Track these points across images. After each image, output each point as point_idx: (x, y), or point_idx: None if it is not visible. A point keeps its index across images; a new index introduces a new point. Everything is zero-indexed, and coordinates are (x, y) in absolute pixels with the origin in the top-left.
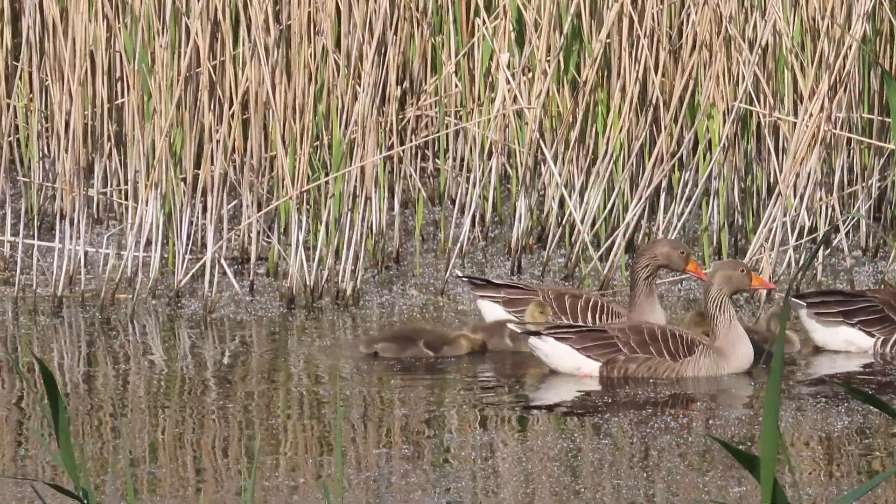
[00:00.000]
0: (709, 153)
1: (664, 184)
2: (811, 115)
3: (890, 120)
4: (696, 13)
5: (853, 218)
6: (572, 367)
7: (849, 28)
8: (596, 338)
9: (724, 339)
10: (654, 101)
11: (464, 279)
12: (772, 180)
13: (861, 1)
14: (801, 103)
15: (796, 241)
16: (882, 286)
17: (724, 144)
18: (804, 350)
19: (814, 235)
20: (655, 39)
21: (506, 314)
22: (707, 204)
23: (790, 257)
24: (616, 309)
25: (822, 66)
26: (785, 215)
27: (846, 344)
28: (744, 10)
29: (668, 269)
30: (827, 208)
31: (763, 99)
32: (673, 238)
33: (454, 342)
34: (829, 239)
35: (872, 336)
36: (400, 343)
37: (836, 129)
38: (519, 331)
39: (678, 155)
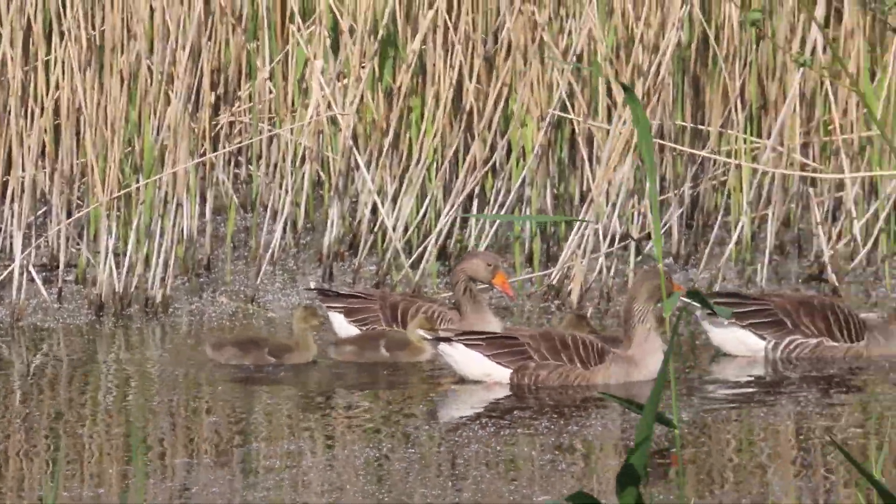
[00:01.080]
0: (522, 160)
1: (477, 191)
2: (625, 122)
3: (703, 127)
4: (510, 20)
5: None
6: (482, 373)
7: (663, 36)
8: (506, 345)
9: (639, 348)
10: (468, 108)
11: (314, 290)
12: (584, 188)
13: (675, 9)
14: (615, 110)
15: (608, 248)
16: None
17: (537, 151)
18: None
19: (625, 243)
20: (470, 46)
21: (347, 325)
22: (520, 211)
23: (601, 264)
24: (450, 316)
25: (637, 73)
26: (597, 222)
27: (739, 345)
28: (559, 18)
29: (477, 282)
30: (639, 216)
31: (577, 106)
32: (484, 251)
33: (299, 349)
34: (640, 246)
35: (764, 339)
36: (243, 348)
37: (653, 137)
38: (429, 338)
39: (492, 162)
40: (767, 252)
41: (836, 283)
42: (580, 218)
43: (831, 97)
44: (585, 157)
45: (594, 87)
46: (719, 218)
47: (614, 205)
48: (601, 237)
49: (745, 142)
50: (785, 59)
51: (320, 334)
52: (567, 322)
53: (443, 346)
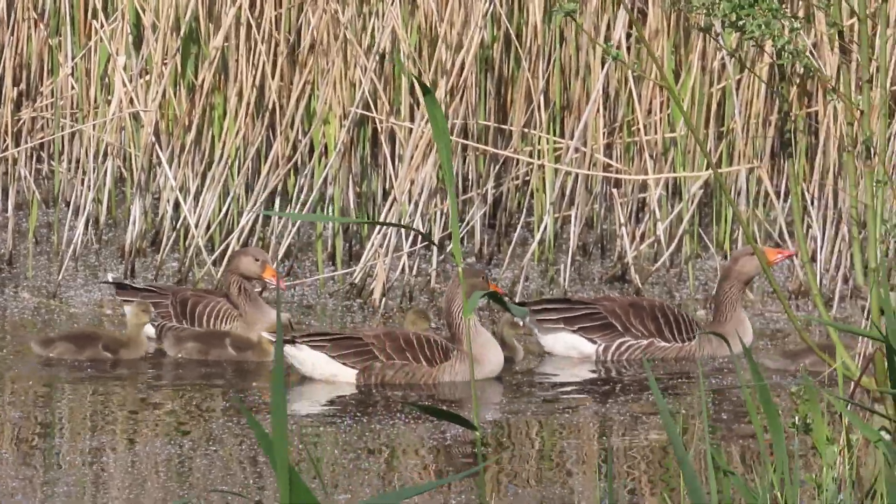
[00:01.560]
0: (325, 158)
1: (280, 188)
2: (427, 121)
3: (507, 126)
4: (313, 18)
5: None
6: (328, 374)
7: (466, 34)
8: (351, 345)
9: (473, 345)
10: (270, 106)
11: (111, 283)
12: (387, 186)
13: (478, 8)
14: (418, 109)
15: (410, 247)
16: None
17: (339, 150)
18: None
19: (427, 242)
20: (273, 44)
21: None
22: (322, 209)
23: (404, 263)
24: (235, 314)
25: (440, 72)
26: (400, 221)
27: (569, 349)
28: (361, 16)
29: (251, 279)
30: (442, 215)
31: (379, 105)
32: (252, 247)
33: (131, 345)
34: (443, 245)
35: (594, 342)
36: (78, 344)
37: (452, 136)
38: (273, 339)
39: (294, 160)
40: (570, 252)
41: (640, 284)
42: (383, 221)
43: (635, 97)
44: (388, 155)
45: (397, 86)
46: (522, 218)
47: (417, 204)
48: (404, 236)
49: (548, 142)
50: (588, 59)
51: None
52: (409, 320)
53: (287, 348)
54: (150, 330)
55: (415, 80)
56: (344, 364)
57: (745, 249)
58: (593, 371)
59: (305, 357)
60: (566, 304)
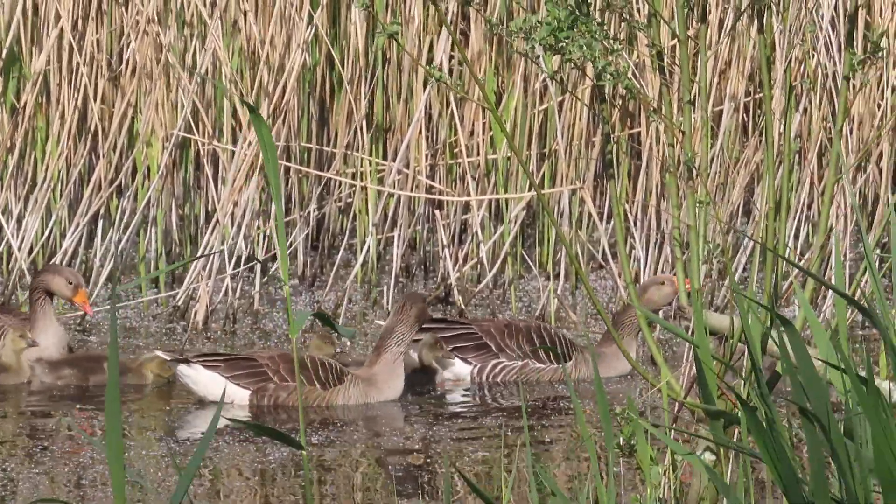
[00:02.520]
0: (147, 180)
1: (102, 211)
2: (250, 143)
3: (329, 148)
4: (135, 41)
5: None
6: (221, 394)
7: (288, 57)
8: (245, 366)
9: (383, 370)
10: (93, 128)
11: None
12: (210, 208)
13: (300, 32)
14: (240, 132)
15: (234, 269)
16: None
17: (162, 172)
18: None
19: (251, 264)
20: (95, 66)
21: None
22: (145, 231)
23: (227, 286)
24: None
25: (262, 94)
26: (223, 243)
27: (446, 371)
28: (183, 38)
29: (56, 297)
30: (265, 237)
31: (202, 127)
32: (67, 267)
33: (12, 371)
34: (266, 267)
35: (469, 363)
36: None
37: (279, 159)
38: (169, 358)
39: (117, 182)
40: (394, 274)
41: (463, 306)
42: (206, 244)
43: (457, 119)
44: (211, 177)
45: (219, 108)
46: (345, 240)
47: (240, 226)
48: (227, 258)
49: (370, 164)
50: (411, 81)
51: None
52: (314, 344)
53: (181, 368)
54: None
55: (237, 102)
56: (237, 384)
57: (655, 279)
58: (466, 393)
59: (199, 377)
60: (443, 324)
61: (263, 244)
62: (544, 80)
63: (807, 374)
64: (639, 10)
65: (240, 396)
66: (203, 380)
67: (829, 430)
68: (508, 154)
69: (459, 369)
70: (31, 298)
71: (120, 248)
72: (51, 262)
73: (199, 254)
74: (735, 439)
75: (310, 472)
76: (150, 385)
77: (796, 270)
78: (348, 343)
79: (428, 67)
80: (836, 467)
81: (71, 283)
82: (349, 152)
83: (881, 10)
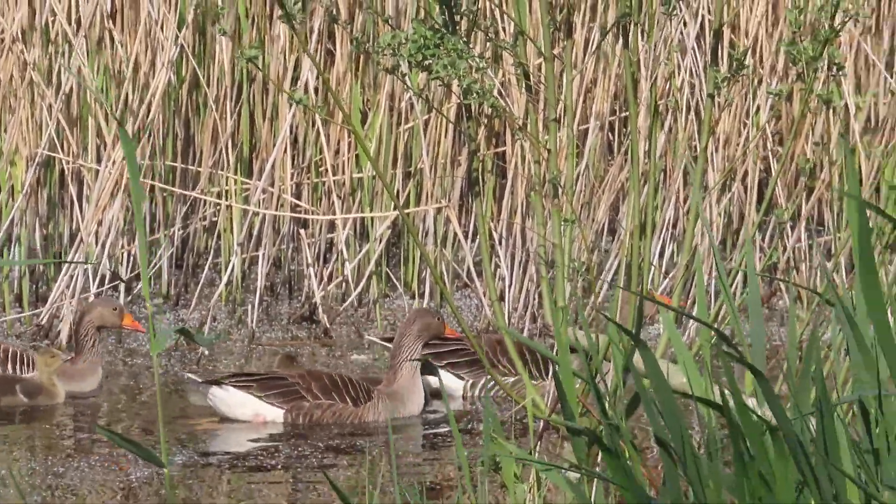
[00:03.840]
0: (11, 199)
1: None
2: (115, 162)
3: (194, 167)
4: (2, 59)
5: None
6: (253, 414)
7: (154, 75)
8: (278, 385)
9: (404, 385)
10: None
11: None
12: (74, 227)
13: (166, 51)
14: (105, 151)
15: (98, 288)
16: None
17: (26, 191)
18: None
19: (115, 283)
20: None
21: None
22: (9, 250)
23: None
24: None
25: (128, 113)
26: (87, 262)
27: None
28: (48, 56)
29: (107, 329)
30: (129, 256)
31: (66, 146)
32: (102, 297)
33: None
34: (130, 286)
35: (462, 378)
36: None
37: (144, 177)
38: (200, 380)
39: None
40: (258, 293)
41: (328, 325)
42: (70, 259)
43: (323, 139)
44: (75, 196)
45: (84, 127)
46: (210, 258)
47: (104, 245)
48: (91, 277)
49: (235, 182)
50: (276, 101)
51: None
52: (279, 362)
53: (213, 389)
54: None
55: (102, 119)
56: (271, 404)
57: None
58: None
59: (232, 398)
60: (437, 340)
61: (128, 263)
62: (410, 98)
63: (662, 396)
64: (504, 29)
65: (273, 415)
66: (234, 401)
67: (684, 453)
68: (374, 173)
69: (451, 384)
70: (80, 339)
71: None
72: (84, 299)
73: (63, 274)
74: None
75: (172, 492)
76: (61, 401)
77: (660, 289)
78: (206, 352)
79: (289, 91)
80: (693, 490)
81: (116, 310)
82: (214, 171)
83: (746, 29)
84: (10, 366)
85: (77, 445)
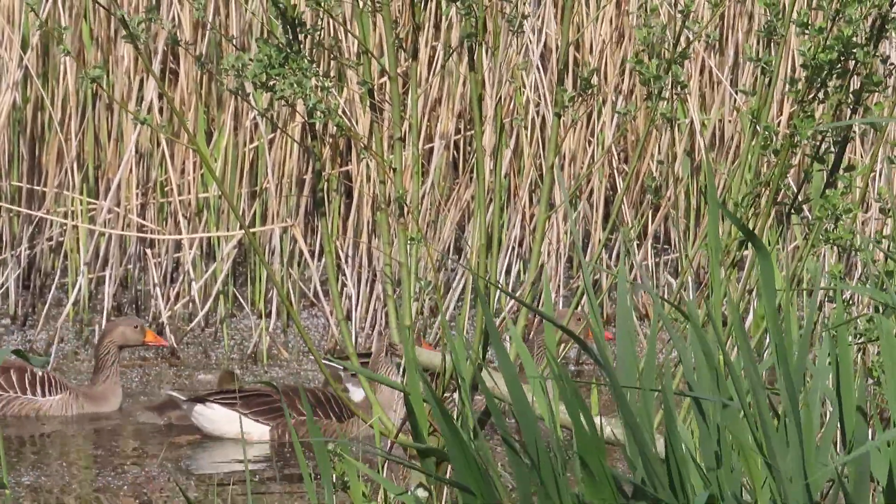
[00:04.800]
0: None
1: None
2: None
3: (40, 188)
4: None
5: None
6: (238, 432)
7: None
8: (263, 402)
9: (384, 393)
10: None
11: None
12: None
13: (10, 71)
14: None
15: None
16: None
17: None
18: None
19: None
20: None
21: None
22: None
23: None
24: (64, 381)
25: None
26: None
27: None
28: None
29: (129, 347)
30: None
31: None
32: (123, 317)
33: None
34: None
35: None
36: None
37: None
38: (183, 398)
39: None
40: (105, 313)
41: (175, 345)
42: None
43: (168, 158)
44: None
45: None
46: (56, 279)
47: None
48: None
49: (81, 202)
50: (121, 121)
51: None
52: (221, 380)
53: (198, 408)
54: None
55: None
56: (257, 420)
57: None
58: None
59: (216, 415)
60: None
61: None
62: (255, 117)
63: (519, 409)
64: (349, 48)
65: (259, 432)
66: (219, 418)
67: (539, 465)
68: (219, 192)
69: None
70: (100, 358)
71: None
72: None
73: None
74: (447, 476)
75: None
76: None
77: (507, 308)
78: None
79: (132, 111)
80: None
81: (137, 328)
82: (60, 191)
83: (591, 48)
84: (38, 389)
85: None
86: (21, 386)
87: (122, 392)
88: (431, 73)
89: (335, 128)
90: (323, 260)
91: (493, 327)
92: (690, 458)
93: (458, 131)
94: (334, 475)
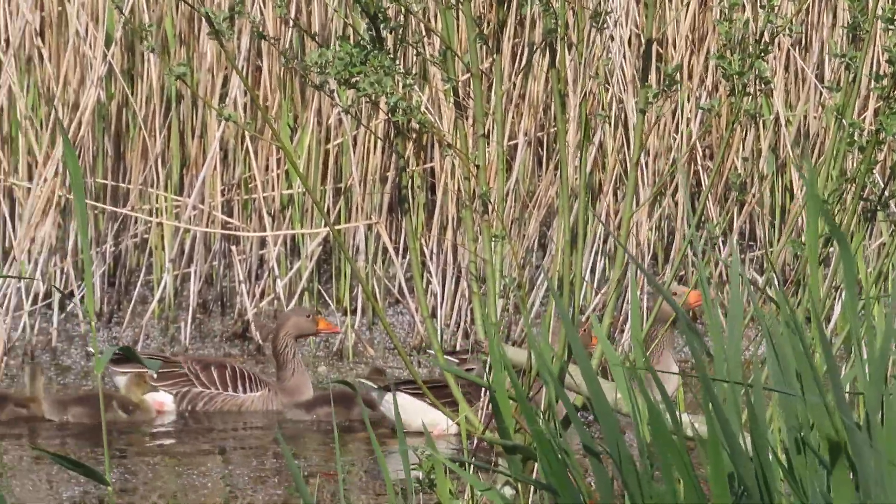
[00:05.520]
0: None
1: None
2: (46, 180)
3: (125, 185)
4: None
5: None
6: (429, 422)
7: (84, 93)
8: (448, 394)
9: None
10: None
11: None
12: (6, 245)
13: (95, 69)
14: (36, 169)
15: (31, 305)
16: None
17: None
18: None
19: (49, 300)
20: None
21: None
22: None
23: (25, 322)
24: (262, 377)
25: (57, 130)
26: (20, 281)
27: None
28: None
29: (304, 337)
30: (62, 273)
31: None
32: (294, 307)
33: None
34: (64, 304)
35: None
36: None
37: (70, 194)
38: (376, 386)
39: None
40: (191, 310)
41: (261, 341)
42: (3, 281)
43: (252, 155)
44: (7, 214)
45: (15, 146)
46: (142, 276)
47: (37, 262)
48: (24, 295)
49: (166, 199)
50: (206, 118)
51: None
52: (369, 375)
53: (388, 396)
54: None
55: (32, 137)
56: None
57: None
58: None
59: (405, 405)
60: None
61: (61, 281)
62: (338, 114)
63: (600, 409)
64: (431, 44)
65: (444, 424)
66: (408, 408)
67: (621, 464)
68: (304, 189)
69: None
70: (279, 353)
71: None
72: (278, 312)
73: None
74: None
75: None
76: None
77: (593, 304)
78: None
79: (217, 107)
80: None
81: (309, 317)
82: (145, 188)
83: (674, 43)
84: (238, 385)
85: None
86: (223, 383)
87: (309, 377)
88: (514, 70)
89: (418, 125)
90: (407, 257)
91: (570, 324)
92: (775, 457)
93: (541, 128)
94: (421, 473)
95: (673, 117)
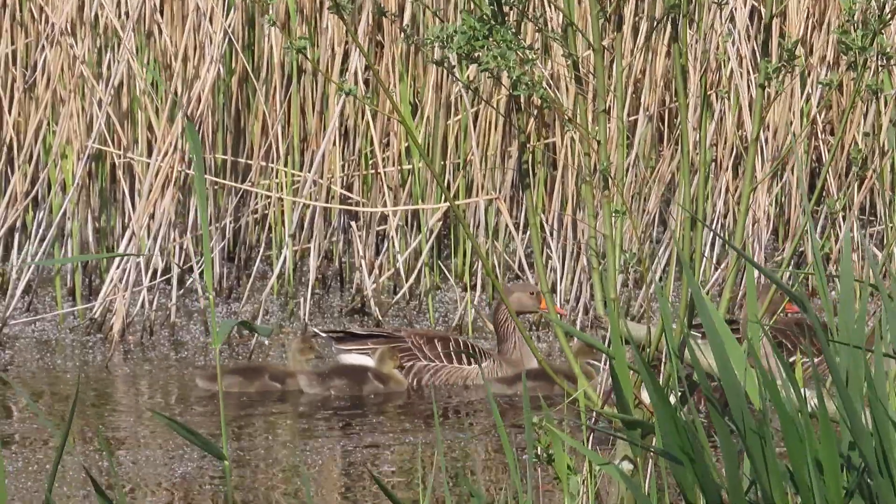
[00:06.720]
0: (63, 193)
1: (18, 224)
2: (165, 155)
3: (244, 160)
4: (49, 52)
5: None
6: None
7: (203, 68)
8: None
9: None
10: (7, 140)
11: (323, 336)
12: (126, 220)
13: (215, 44)
14: (155, 144)
15: (150, 281)
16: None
17: (77, 184)
18: None
19: (168, 276)
20: (11, 78)
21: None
22: (62, 244)
23: (144, 298)
24: (484, 349)
25: (177, 107)
26: (139, 255)
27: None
28: (97, 49)
29: (526, 314)
30: (181, 249)
31: (116, 139)
32: (516, 282)
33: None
34: (183, 279)
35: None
36: (247, 376)
37: (189, 169)
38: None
39: (32, 194)
40: (310, 285)
41: (380, 317)
42: (122, 253)
43: (372, 130)
44: (126, 189)
45: (134, 120)
46: (261, 251)
47: (156, 238)
48: (143, 270)
49: (285, 174)
50: (326, 92)
51: None
52: (295, 351)
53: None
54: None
55: (152, 112)
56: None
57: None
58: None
59: None
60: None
61: (180, 256)
62: (459, 90)
63: (727, 378)
64: (552, 19)
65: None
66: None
67: (745, 435)
68: (424, 164)
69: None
70: (500, 327)
71: (37, 261)
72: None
73: (115, 267)
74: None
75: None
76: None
77: (712, 280)
78: (461, 342)
79: (338, 82)
80: (753, 471)
81: (533, 294)
82: (264, 163)
83: (795, 19)
84: (462, 357)
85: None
86: (447, 355)
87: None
88: (635, 45)
89: (540, 100)
90: (528, 232)
91: (700, 295)
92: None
93: (662, 103)
94: (539, 448)
95: (792, 94)
